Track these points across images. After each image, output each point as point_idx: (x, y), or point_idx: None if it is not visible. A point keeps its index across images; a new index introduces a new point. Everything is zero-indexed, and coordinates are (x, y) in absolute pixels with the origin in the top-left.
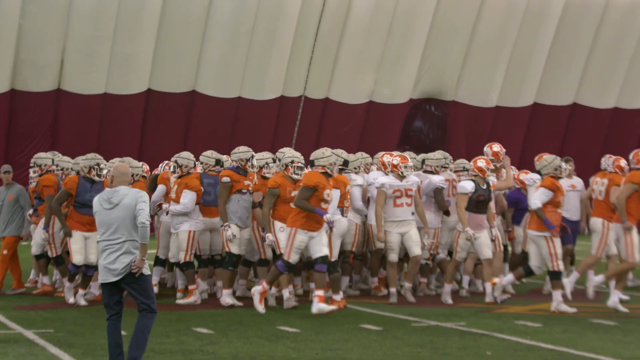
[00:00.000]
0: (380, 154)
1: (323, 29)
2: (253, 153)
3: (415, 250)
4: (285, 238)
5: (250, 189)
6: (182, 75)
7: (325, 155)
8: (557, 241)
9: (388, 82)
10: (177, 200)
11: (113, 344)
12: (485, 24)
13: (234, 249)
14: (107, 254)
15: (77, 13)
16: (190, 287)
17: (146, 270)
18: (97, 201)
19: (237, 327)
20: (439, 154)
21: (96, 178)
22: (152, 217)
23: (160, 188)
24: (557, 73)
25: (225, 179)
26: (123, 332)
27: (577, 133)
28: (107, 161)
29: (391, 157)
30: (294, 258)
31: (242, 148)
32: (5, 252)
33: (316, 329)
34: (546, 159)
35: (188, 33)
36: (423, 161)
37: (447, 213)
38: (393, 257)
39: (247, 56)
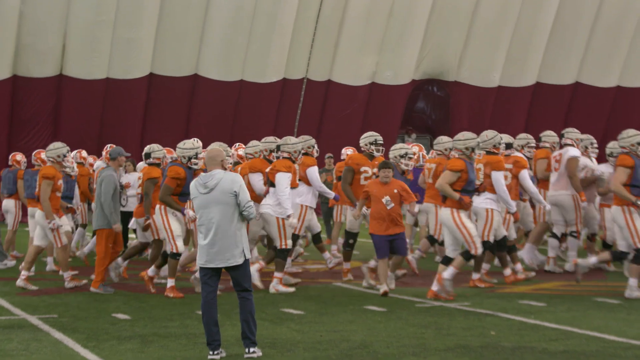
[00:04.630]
0: None
1: (324, 10)
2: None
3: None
4: None
5: None
6: (184, 59)
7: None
8: None
9: (390, 63)
10: None
11: (212, 322)
12: (487, 4)
13: None
14: (208, 238)
15: None
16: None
17: (248, 253)
18: (193, 186)
19: None
20: None
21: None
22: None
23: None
24: (559, 52)
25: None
26: (126, 316)
27: (580, 112)
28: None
29: None
30: None
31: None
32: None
33: (320, 310)
34: None
35: (189, 17)
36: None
37: None
38: None
39: (249, 39)
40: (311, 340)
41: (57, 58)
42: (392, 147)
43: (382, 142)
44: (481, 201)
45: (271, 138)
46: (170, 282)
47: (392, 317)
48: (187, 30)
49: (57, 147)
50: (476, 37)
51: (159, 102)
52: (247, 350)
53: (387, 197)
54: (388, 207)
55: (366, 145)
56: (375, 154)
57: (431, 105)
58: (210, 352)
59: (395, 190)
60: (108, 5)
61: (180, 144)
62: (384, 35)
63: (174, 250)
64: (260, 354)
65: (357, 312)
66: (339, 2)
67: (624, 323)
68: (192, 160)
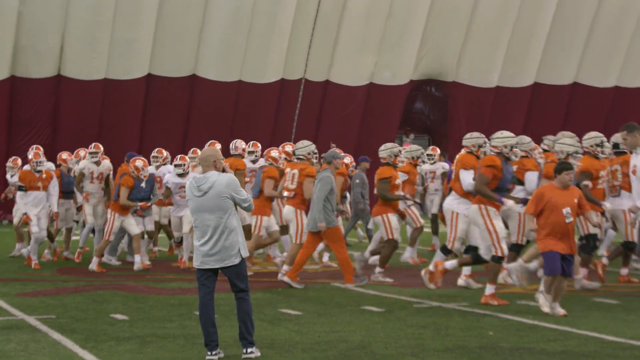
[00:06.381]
0: None
1: (323, 10)
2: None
3: None
4: None
5: None
6: (182, 59)
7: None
8: None
9: (388, 63)
10: None
11: (209, 323)
12: (486, 4)
13: None
14: (203, 240)
15: None
16: None
17: (245, 252)
18: (188, 188)
19: None
20: None
21: None
22: None
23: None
24: (557, 52)
25: None
26: (124, 317)
27: (579, 112)
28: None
29: None
30: None
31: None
32: None
33: (318, 311)
34: None
35: (188, 17)
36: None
37: None
38: None
39: (248, 39)
40: (309, 340)
41: (55, 58)
42: (586, 136)
43: (605, 142)
44: (619, 203)
45: (477, 134)
46: (490, 289)
47: (391, 318)
48: (185, 31)
49: (306, 145)
50: (475, 38)
51: (157, 103)
52: (244, 350)
53: (568, 209)
54: (567, 221)
55: (592, 146)
56: (600, 156)
57: (429, 106)
58: (208, 353)
59: (576, 200)
60: (107, 6)
61: (498, 133)
62: (383, 36)
63: (498, 254)
64: (258, 354)
65: (355, 312)
66: (337, 2)
67: (622, 323)
68: (514, 149)
